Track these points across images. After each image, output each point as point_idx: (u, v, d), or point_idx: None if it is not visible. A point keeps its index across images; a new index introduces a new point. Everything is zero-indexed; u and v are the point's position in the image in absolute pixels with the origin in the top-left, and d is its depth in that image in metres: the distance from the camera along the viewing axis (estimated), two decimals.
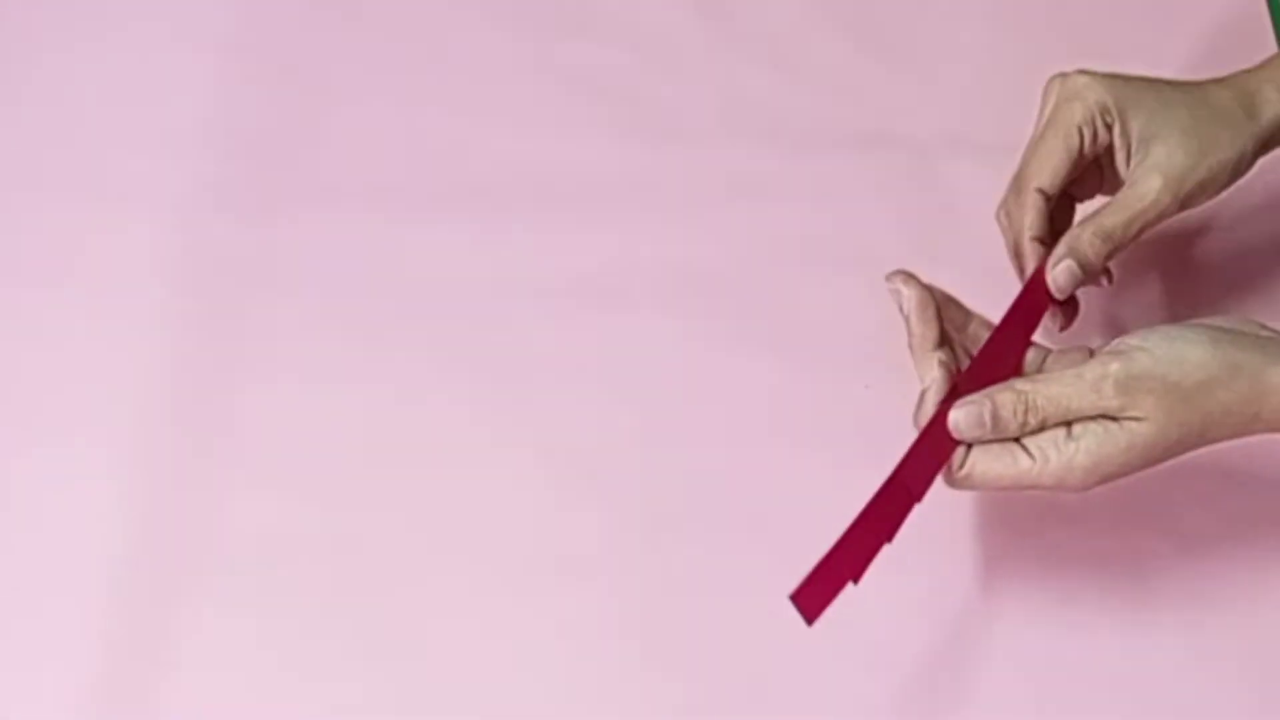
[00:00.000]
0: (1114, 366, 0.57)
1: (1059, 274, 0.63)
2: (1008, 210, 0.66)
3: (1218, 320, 0.60)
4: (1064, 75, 0.65)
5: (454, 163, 0.76)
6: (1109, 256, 0.64)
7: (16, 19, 0.80)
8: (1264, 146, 0.66)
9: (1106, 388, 0.57)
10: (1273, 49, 0.79)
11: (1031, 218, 0.65)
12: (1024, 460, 0.58)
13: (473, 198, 0.75)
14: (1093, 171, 0.67)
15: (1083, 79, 0.65)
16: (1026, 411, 0.58)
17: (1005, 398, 0.58)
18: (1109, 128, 0.64)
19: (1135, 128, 0.64)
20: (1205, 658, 0.63)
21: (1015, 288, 0.72)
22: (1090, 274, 0.64)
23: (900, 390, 0.64)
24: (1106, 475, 0.58)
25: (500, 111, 0.78)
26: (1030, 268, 0.65)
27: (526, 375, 0.70)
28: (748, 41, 0.80)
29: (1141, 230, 0.64)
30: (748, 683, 0.63)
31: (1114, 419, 0.57)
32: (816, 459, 0.67)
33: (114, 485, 0.66)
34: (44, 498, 0.66)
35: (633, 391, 0.69)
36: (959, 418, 0.58)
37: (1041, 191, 0.64)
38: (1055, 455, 0.58)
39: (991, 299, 0.72)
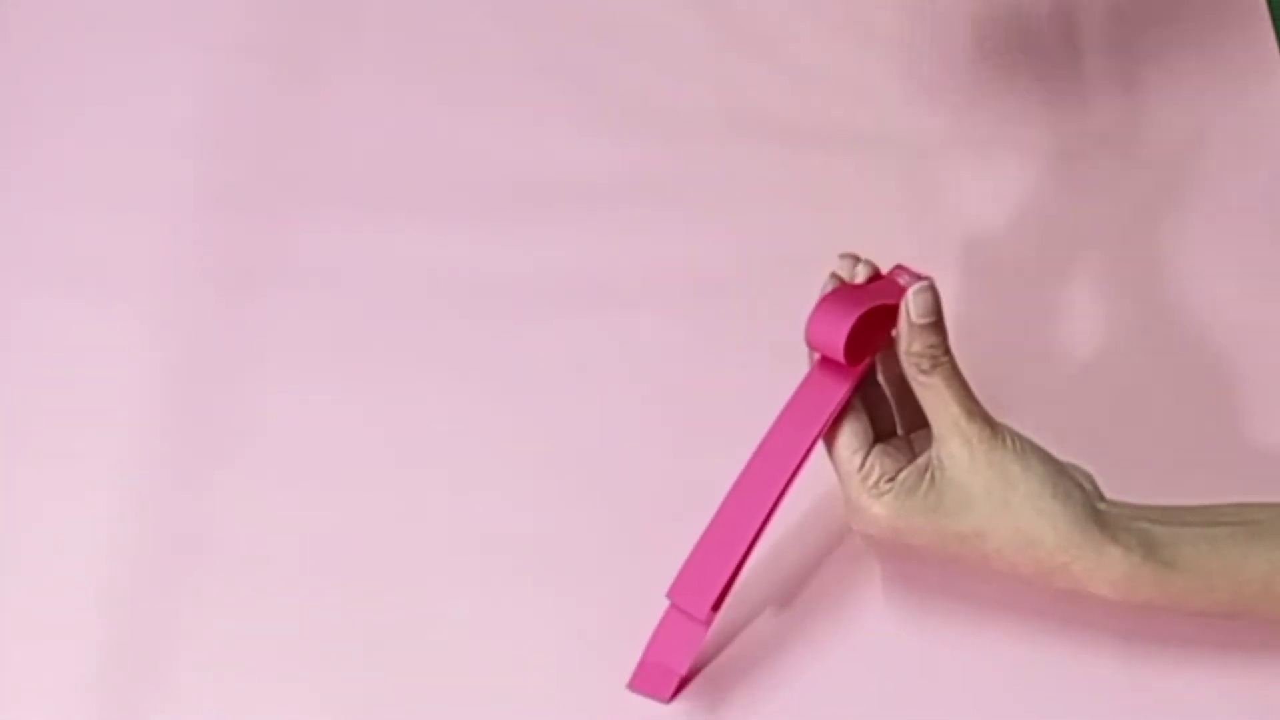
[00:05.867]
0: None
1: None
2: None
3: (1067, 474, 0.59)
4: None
5: (454, 162, 0.76)
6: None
7: (16, 19, 0.80)
8: None
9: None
10: (1272, 48, 0.79)
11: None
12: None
13: (473, 197, 0.75)
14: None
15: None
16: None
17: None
18: None
19: None
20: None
21: (1016, 288, 0.72)
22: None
23: None
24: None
25: (500, 111, 0.78)
26: None
27: (526, 374, 0.70)
28: (748, 41, 0.80)
29: None
30: (748, 683, 0.63)
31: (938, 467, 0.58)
32: (816, 458, 0.67)
33: (113, 485, 0.66)
34: (43, 497, 0.66)
35: (633, 392, 0.69)
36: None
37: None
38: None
39: (993, 298, 0.72)
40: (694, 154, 0.76)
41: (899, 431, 0.62)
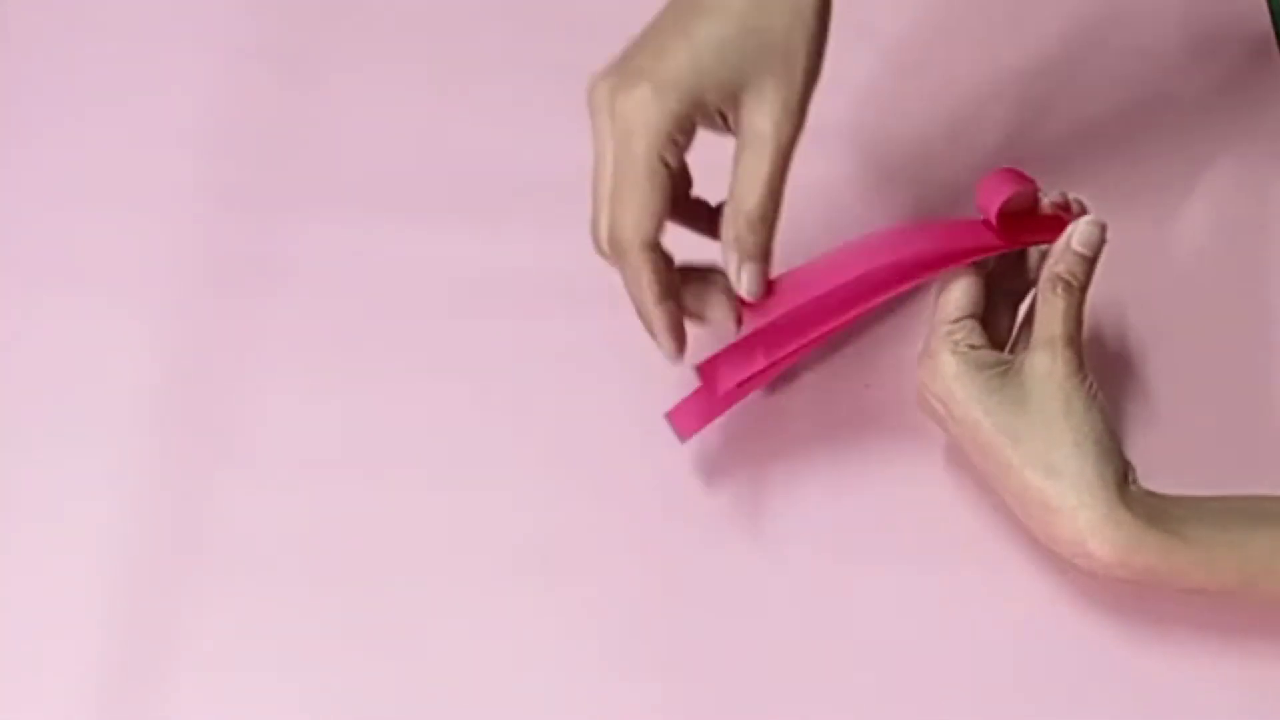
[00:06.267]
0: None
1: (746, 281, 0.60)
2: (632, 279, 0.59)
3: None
4: (604, 103, 0.58)
5: (453, 163, 0.76)
6: (772, 234, 0.60)
7: (16, 19, 0.80)
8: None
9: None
10: (1273, 48, 0.79)
11: (649, 279, 0.59)
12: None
13: (472, 197, 0.75)
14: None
15: (631, 103, 0.58)
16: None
17: None
18: (688, 134, 0.59)
19: (711, 107, 0.58)
20: None
21: None
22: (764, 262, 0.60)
23: (901, 389, 0.64)
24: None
25: (501, 111, 0.78)
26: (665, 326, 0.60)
27: (524, 374, 0.70)
28: None
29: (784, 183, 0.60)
30: (746, 685, 0.63)
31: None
32: (816, 458, 0.67)
33: (113, 485, 0.66)
34: (43, 497, 0.66)
35: (632, 391, 0.69)
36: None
37: (649, 247, 0.59)
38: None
39: None
40: (693, 154, 0.76)
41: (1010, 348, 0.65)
